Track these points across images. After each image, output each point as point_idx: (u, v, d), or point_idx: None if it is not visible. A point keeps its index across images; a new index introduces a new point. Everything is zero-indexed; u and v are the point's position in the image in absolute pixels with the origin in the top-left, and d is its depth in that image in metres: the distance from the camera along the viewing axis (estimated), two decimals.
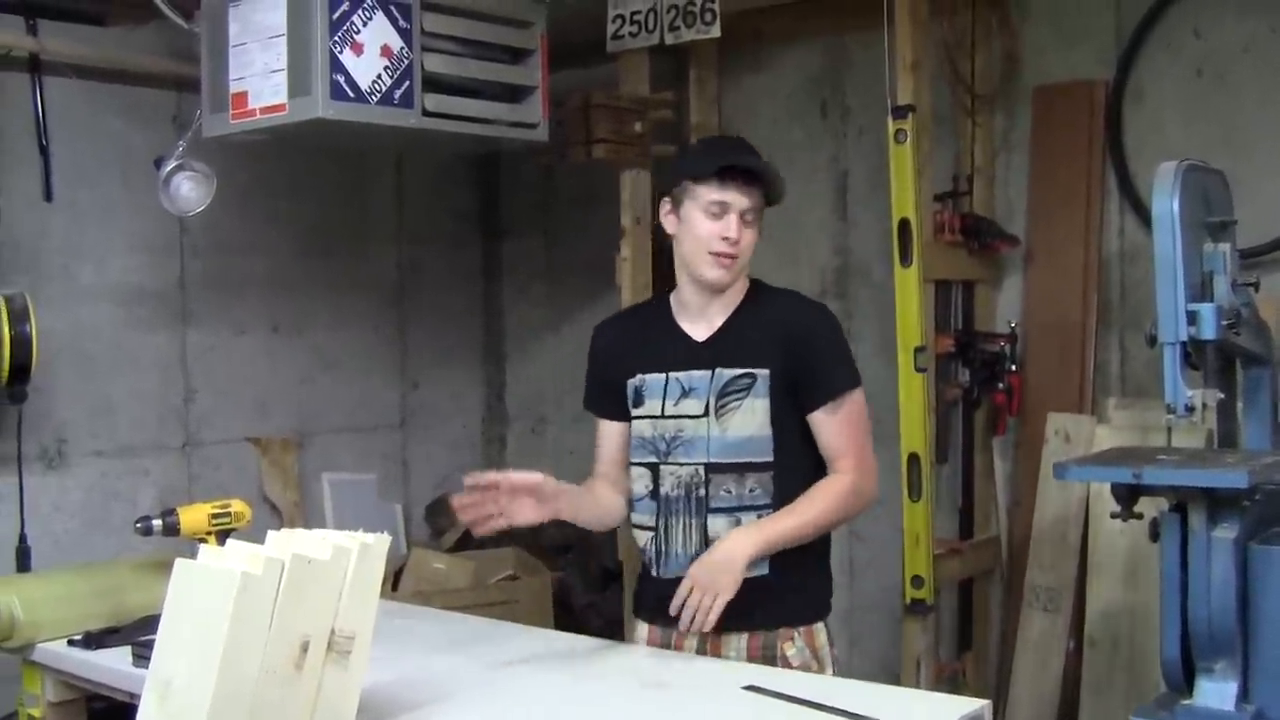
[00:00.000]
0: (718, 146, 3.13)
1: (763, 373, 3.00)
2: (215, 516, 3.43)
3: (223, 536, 3.34)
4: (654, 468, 3.09)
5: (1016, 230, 4.89)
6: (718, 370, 3.02)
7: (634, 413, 3.13)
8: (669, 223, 3.08)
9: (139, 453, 5.09)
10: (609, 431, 3.24)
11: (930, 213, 4.52)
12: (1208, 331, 3.28)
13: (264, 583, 2.23)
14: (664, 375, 3.08)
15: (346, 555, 2.39)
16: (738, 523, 3.00)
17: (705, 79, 5.54)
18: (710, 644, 3.06)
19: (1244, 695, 3.28)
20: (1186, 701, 3.32)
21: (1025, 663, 4.71)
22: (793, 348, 3.01)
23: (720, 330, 3.07)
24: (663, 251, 5.38)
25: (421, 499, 6.23)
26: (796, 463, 3.03)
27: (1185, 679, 3.34)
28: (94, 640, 3.33)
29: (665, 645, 3.13)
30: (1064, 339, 4.77)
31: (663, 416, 3.07)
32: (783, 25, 5.38)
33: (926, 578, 4.34)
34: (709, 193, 2.97)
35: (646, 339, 3.16)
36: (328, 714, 2.38)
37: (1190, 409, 3.31)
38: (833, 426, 3.03)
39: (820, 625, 3.11)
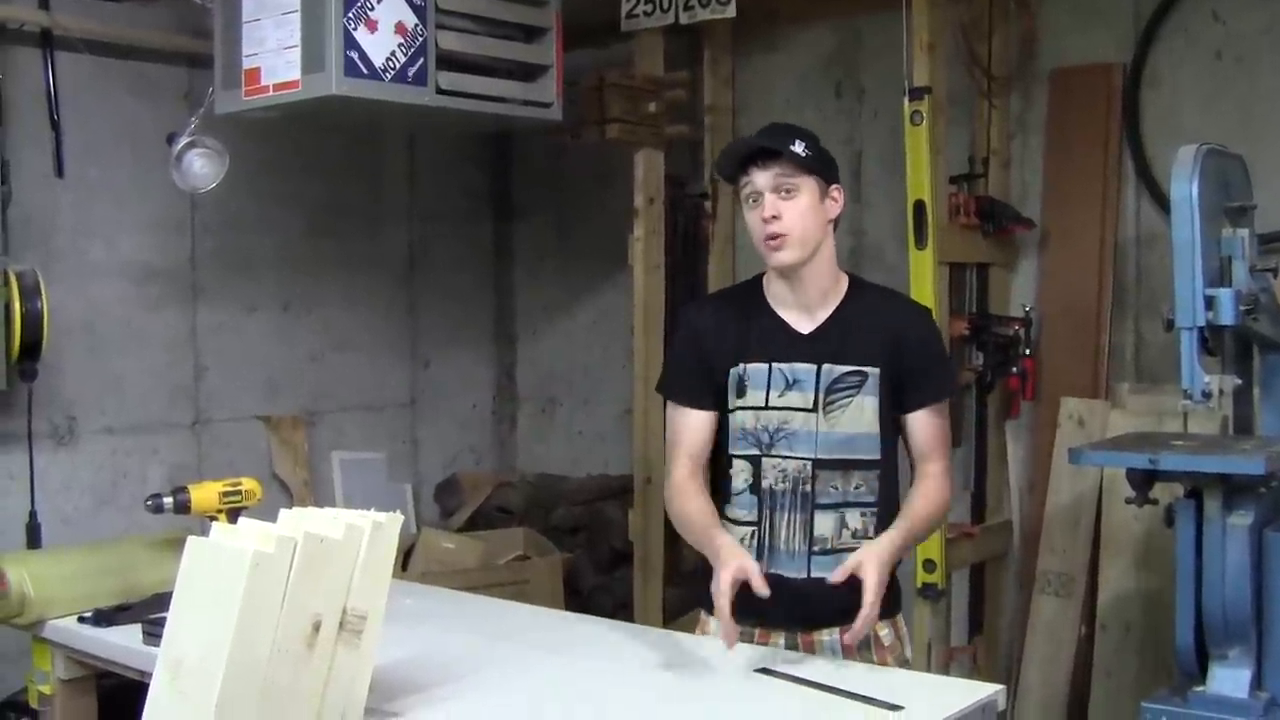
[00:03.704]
0: (736, 141, 3.05)
1: (873, 371, 2.96)
2: (226, 494, 3.43)
3: (233, 515, 3.35)
4: (756, 460, 3.01)
5: (1032, 213, 4.87)
6: (825, 366, 2.96)
7: (736, 403, 3.02)
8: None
9: (149, 430, 5.08)
10: (696, 422, 3.07)
11: (945, 195, 4.50)
12: (1226, 317, 3.27)
13: (276, 561, 2.23)
14: (767, 365, 2.99)
15: (359, 534, 2.38)
16: (842, 520, 2.97)
17: (719, 59, 5.52)
18: (803, 640, 3.01)
19: (1257, 682, 3.29)
20: (1199, 688, 3.32)
21: (1037, 647, 4.70)
22: (901, 350, 2.97)
23: (826, 325, 3.00)
24: (677, 232, 5.42)
25: (431, 478, 6.23)
26: (897, 461, 3.03)
27: (1199, 665, 3.34)
28: (104, 617, 3.33)
29: (748, 632, 2.99)
30: (1079, 323, 4.75)
31: (766, 408, 2.99)
32: (798, 5, 5.36)
33: (938, 562, 4.33)
34: (742, 187, 2.97)
35: (748, 327, 3.04)
36: (339, 693, 2.37)
37: (1207, 395, 3.30)
38: (929, 428, 3.02)
39: (901, 614, 3.10)
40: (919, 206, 4.28)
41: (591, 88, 5.02)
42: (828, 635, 2.99)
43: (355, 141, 5.69)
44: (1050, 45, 4.87)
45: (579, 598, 5.61)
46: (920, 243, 4.28)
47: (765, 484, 3.00)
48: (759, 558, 2.98)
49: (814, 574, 2.94)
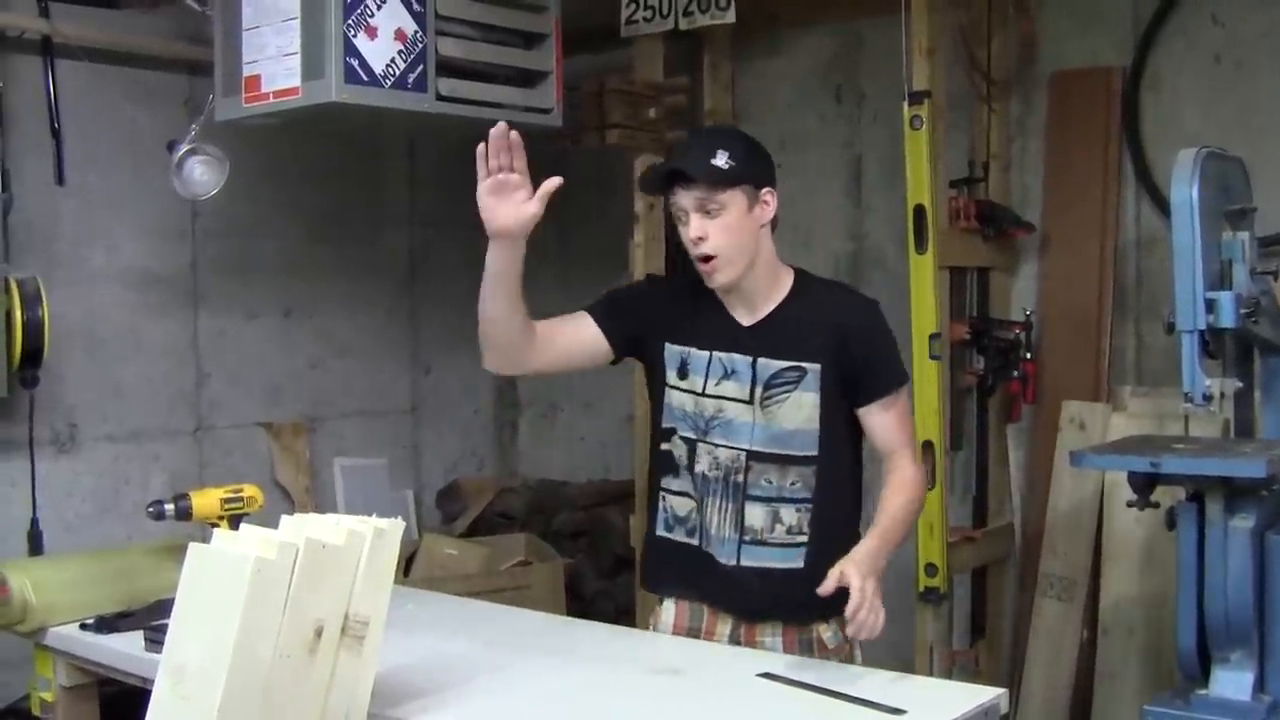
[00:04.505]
0: (657, 164, 3.02)
1: (813, 367, 2.96)
2: (227, 501, 3.43)
3: (235, 521, 3.34)
4: (692, 444, 3.05)
5: (1032, 217, 4.87)
6: (760, 360, 2.98)
7: (680, 383, 3.06)
8: None
9: (150, 437, 5.09)
10: (583, 327, 3.13)
11: (946, 199, 4.50)
12: (1226, 320, 3.27)
13: (278, 567, 2.23)
14: (708, 353, 3.03)
15: (361, 540, 2.38)
16: (776, 514, 2.99)
17: (719, 64, 5.51)
18: (745, 633, 3.06)
19: (1260, 685, 3.28)
20: (1202, 691, 3.32)
21: (1039, 651, 4.70)
22: (848, 344, 2.97)
23: (767, 319, 3.01)
24: (677, 238, 5.41)
25: (433, 484, 6.22)
26: (838, 457, 3.03)
27: (1201, 668, 3.34)
28: (106, 624, 3.32)
29: (695, 627, 3.11)
30: (1079, 326, 4.75)
31: (704, 394, 3.02)
32: (797, 10, 5.37)
33: (940, 565, 4.33)
34: (670, 202, 2.96)
35: (697, 311, 3.07)
36: (341, 699, 2.37)
37: (1208, 398, 3.30)
38: (888, 421, 3.02)
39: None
40: (919, 211, 4.27)
41: (591, 93, 5.02)
42: (770, 638, 3.03)
43: (355, 148, 5.68)
44: (1050, 49, 4.87)
45: (581, 603, 5.61)
46: (920, 247, 4.28)
47: (699, 469, 3.04)
48: (701, 534, 3.06)
49: (744, 562, 3.01)
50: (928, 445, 4.30)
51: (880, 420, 3.02)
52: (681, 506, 3.10)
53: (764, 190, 2.96)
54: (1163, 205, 4.39)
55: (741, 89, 5.58)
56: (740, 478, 3.00)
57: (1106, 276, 4.72)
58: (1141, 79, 4.66)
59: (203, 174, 4.47)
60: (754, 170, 2.95)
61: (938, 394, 4.32)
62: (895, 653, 4.75)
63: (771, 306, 3.02)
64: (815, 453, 2.98)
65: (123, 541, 4.66)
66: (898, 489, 3.01)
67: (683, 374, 3.06)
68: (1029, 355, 4.76)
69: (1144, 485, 3.40)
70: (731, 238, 2.91)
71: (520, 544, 5.72)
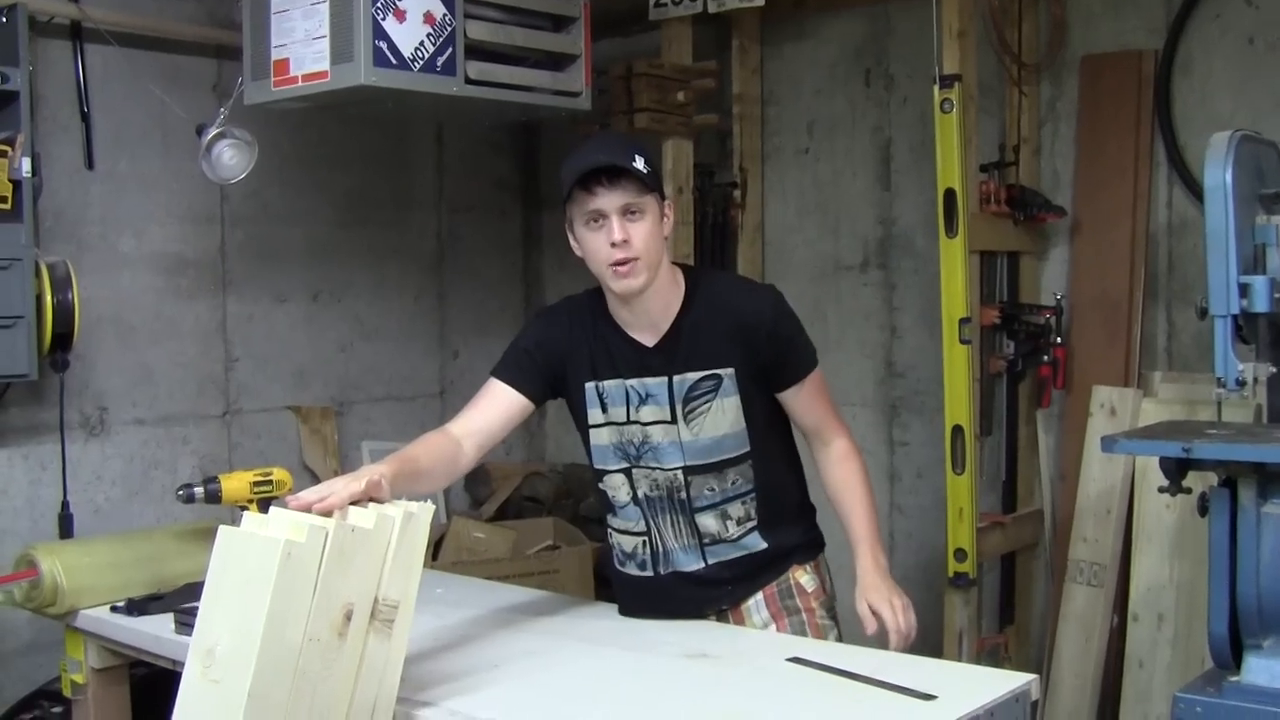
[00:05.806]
0: (574, 156, 2.92)
1: (727, 372, 2.97)
2: (257, 484, 3.45)
3: (264, 504, 3.35)
4: (629, 472, 3.07)
5: (1063, 201, 4.84)
6: (674, 377, 2.98)
7: (601, 419, 3.06)
8: (575, 247, 2.99)
9: (179, 421, 5.10)
10: (501, 397, 3.05)
11: (976, 183, 4.48)
12: (1260, 304, 3.25)
13: (308, 550, 2.23)
14: (622, 383, 3.02)
15: (390, 523, 2.39)
16: (724, 514, 3.05)
17: (748, 48, 5.49)
18: (734, 616, 3.14)
19: None
20: (1234, 678, 3.29)
21: (1068, 637, 4.68)
22: (756, 340, 2.97)
23: (669, 335, 2.99)
24: (706, 222, 5.41)
25: None
26: (769, 442, 3.08)
27: (1233, 655, 3.31)
28: (136, 607, 3.35)
29: None
30: (1110, 312, 4.72)
31: (628, 423, 3.03)
32: None
33: (969, 551, 4.31)
34: (582, 206, 2.90)
35: (598, 342, 3.05)
36: (371, 682, 2.38)
37: (1241, 383, 3.28)
38: (808, 401, 3.09)
39: (822, 556, 3.23)
40: (949, 195, 4.25)
41: (620, 77, 5.01)
42: (752, 600, 3.12)
43: (384, 132, 5.69)
44: (1081, 31, 4.83)
45: (608, 587, 5.57)
46: (950, 231, 4.27)
47: (641, 492, 3.07)
48: (654, 564, 3.12)
49: (710, 561, 3.09)
50: (958, 430, 4.30)
51: (800, 400, 3.08)
52: (628, 543, 3.16)
53: (665, 203, 2.97)
54: (1195, 190, 4.36)
55: (770, 72, 5.56)
56: (683, 494, 3.04)
57: (1138, 261, 4.68)
58: (1174, 62, 4.62)
59: (231, 158, 4.48)
60: (660, 180, 2.98)
61: (967, 379, 4.30)
62: (925, 638, 4.74)
63: (669, 321, 3.00)
64: (748, 449, 3.03)
65: (152, 525, 4.68)
66: (844, 472, 3.11)
67: (603, 408, 3.06)
68: (1059, 340, 4.74)
69: (1176, 471, 3.38)
70: (651, 242, 2.89)
71: (548, 528, 5.73)
